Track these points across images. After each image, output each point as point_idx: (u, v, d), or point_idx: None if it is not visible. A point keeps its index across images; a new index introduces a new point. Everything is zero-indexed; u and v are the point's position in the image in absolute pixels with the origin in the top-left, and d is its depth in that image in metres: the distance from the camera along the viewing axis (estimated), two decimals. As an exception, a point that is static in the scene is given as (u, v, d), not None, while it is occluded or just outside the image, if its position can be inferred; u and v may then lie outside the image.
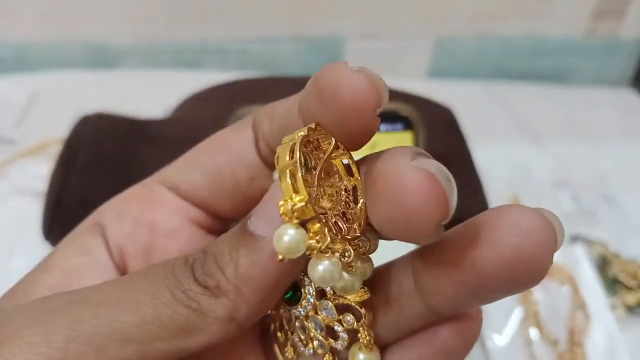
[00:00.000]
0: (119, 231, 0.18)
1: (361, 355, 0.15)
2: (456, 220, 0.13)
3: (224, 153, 0.18)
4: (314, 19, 0.56)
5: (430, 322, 0.15)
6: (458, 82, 0.59)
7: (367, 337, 0.15)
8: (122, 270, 0.18)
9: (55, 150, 0.41)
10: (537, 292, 0.38)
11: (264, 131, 0.17)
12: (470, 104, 0.48)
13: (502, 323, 0.37)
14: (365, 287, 0.15)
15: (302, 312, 0.16)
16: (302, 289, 0.16)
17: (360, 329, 0.15)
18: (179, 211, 0.18)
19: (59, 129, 0.41)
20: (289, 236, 0.12)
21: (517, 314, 0.37)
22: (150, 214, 0.18)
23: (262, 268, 0.14)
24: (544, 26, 0.58)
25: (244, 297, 0.14)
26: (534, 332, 0.36)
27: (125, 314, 0.14)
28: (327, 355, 0.16)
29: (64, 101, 0.51)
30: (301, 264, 0.14)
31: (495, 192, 0.42)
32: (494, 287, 0.13)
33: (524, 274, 0.12)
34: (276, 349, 0.17)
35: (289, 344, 0.17)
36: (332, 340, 0.16)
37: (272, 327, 0.18)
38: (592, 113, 0.56)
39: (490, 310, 0.37)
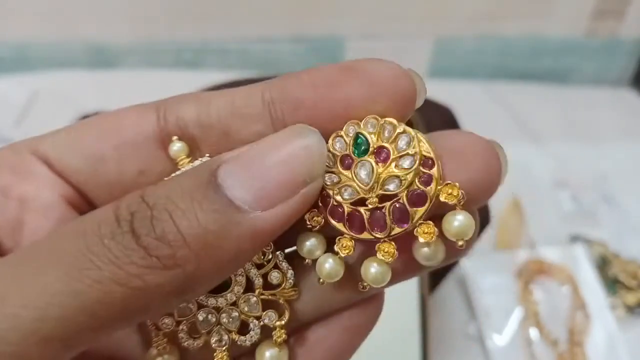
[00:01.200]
0: None
1: (267, 353, 0.15)
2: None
3: (114, 138, 0.15)
4: (314, 19, 0.56)
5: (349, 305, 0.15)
6: (458, 82, 0.59)
7: (283, 336, 0.15)
8: None
9: (55, 150, 0.41)
10: (537, 292, 0.38)
11: (188, 120, 0.15)
12: (470, 104, 0.48)
13: (502, 323, 0.37)
14: (296, 287, 0.15)
15: (222, 303, 0.15)
16: (232, 277, 0.15)
17: (277, 325, 0.15)
18: (52, 187, 0.16)
19: (59, 129, 0.41)
20: (468, 224, 0.14)
21: (517, 314, 0.37)
22: (20, 186, 0.15)
23: (236, 242, 0.12)
24: (544, 26, 0.58)
25: (202, 270, 0.12)
26: (534, 332, 0.36)
27: (38, 310, 0.11)
28: (222, 353, 0.15)
29: (64, 101, 0.51)
30: (272, 238, 0.13)
31: (495, 192, 0.42)
32: None
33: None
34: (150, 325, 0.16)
35: (161, 334, 0.15)
36: (239, 336, 0.15)
37: None
38: (592, 113, 0.56)
39: (491, 310, 0.37)
